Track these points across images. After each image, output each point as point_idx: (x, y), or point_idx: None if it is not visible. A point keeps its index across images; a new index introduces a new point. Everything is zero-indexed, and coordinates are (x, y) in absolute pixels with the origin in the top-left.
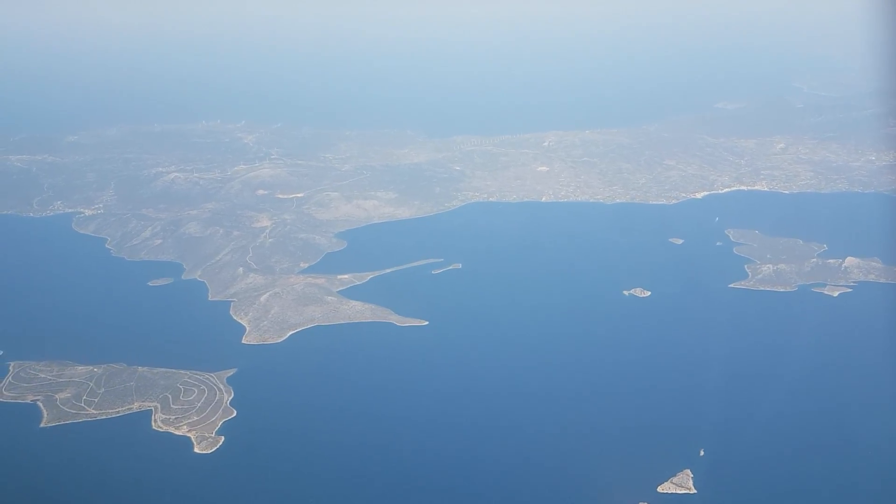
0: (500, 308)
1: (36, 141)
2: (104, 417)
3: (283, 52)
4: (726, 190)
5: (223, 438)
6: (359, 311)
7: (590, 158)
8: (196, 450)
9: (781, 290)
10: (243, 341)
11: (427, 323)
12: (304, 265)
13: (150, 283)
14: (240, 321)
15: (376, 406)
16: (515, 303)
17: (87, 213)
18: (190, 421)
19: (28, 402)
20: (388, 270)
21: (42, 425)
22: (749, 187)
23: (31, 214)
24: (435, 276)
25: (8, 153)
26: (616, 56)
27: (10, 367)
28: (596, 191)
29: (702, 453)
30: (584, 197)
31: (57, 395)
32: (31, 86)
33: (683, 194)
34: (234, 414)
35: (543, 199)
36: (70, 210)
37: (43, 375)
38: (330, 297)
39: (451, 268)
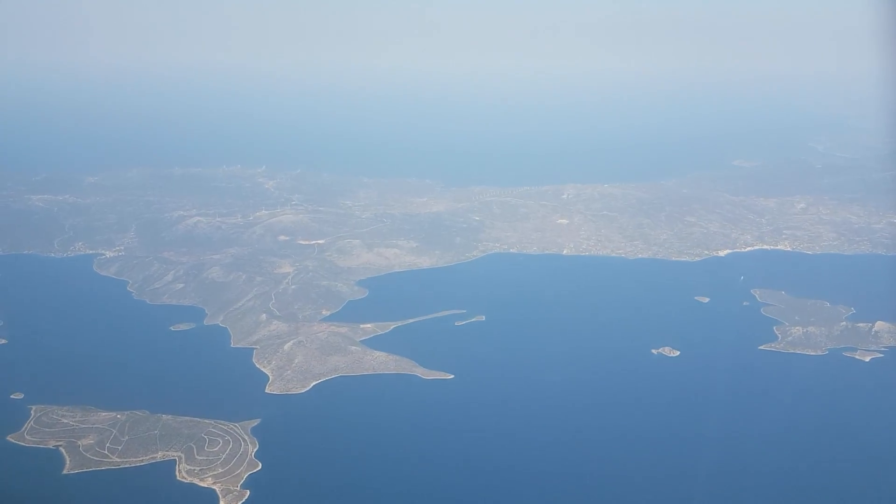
0: (527, 364)
1: (57, 181)
2: (128, 466)
3: (301, 99)
4: (749, 249)
5: (249, 492)
6: (383, 363)
7: (609, 212)
8: (222, 503)
9: (811, 353)
10: (267, 391)
11: (452, 377)
12: (326, 312)
13: (172, 328)
14: (263, 370)
15: (403, 462)
16: (543, 359)
17: (109, 254)
18: (215, 473)
19: (50, 447)
20: (411, 321)
21: (65, 472)
22: (772, 247)
23: (53, 255)
24: (458, 328)
25: (30, 193)
26: (631, 112)
27: (32, 411)
28: (617, 245)
29: None
30: (605, 251)
31: (80, 441)
32: (51, 126)
33: (706, 251)
34: (259, 467)
35: (565, 252)
36: (91, 251)
37: (65, 420)
38: (353, 347)
39: (474, 320)
